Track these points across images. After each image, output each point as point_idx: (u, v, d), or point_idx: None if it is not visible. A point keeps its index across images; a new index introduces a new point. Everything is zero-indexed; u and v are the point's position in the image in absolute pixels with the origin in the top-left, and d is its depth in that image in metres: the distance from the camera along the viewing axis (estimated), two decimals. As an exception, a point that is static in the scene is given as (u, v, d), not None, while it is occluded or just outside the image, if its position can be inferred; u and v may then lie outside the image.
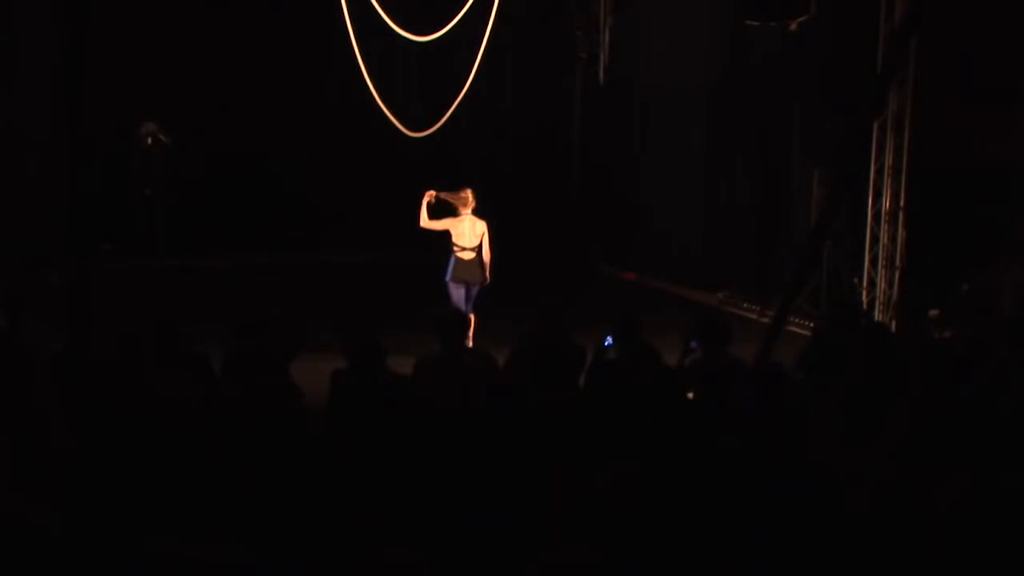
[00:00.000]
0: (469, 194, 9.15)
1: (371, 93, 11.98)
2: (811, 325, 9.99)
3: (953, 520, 3.21)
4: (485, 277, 9.15)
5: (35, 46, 12.36)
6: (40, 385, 5.22)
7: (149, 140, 13.69)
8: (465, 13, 11.73)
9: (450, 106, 12.41)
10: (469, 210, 9.11)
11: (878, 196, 10.17)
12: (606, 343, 5.94)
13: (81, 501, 3.62)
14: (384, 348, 5.37)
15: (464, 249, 9.10)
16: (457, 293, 9.13)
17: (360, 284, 12.12)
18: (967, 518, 3.19)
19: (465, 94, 12.39)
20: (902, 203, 10.04)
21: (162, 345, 5.69)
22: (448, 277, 9.14)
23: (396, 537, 3.25)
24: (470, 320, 8.69)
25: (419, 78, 14.72)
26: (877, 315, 10.00)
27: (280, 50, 14.02)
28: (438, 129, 12.53)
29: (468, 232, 9.10)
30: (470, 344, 8.36)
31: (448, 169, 12.27)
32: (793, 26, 10.37)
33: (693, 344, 5.77)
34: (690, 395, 5.56)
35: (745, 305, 11.58)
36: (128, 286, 10.48)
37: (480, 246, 9.12)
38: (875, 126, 9.81)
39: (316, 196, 14.39)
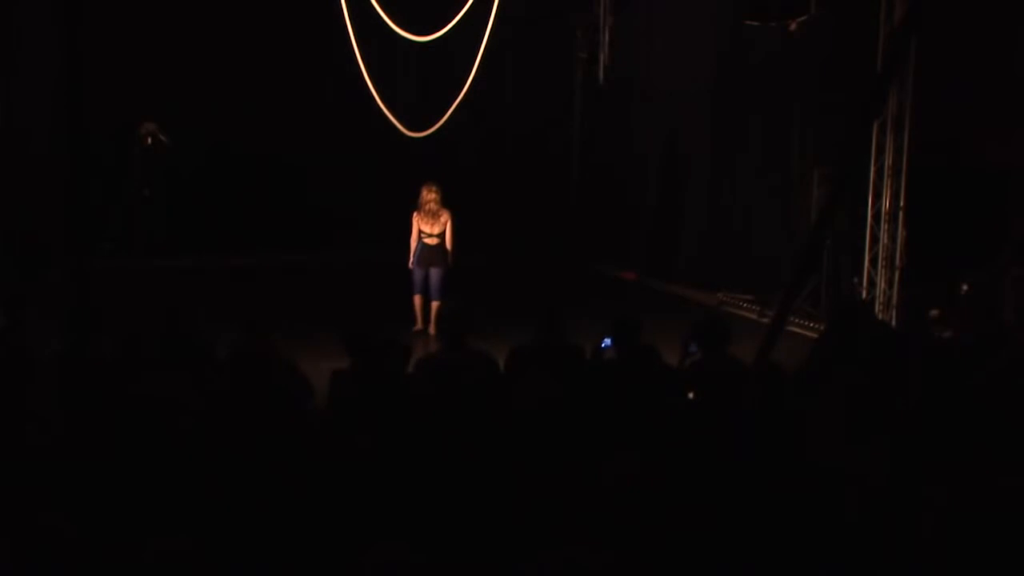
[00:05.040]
0: (433, 191, 9.70)
1: (371, 93, 11.98)
2: (811, 325, 9.98)
3: (953, 520, 3.21)
4: (447, 263, 9.78)
5: (35, 46, 12.36)
6: (39, 385, 5.22)
7: (149, 140, 13.69)
8: (465, 13, 11.74)
9: (450, 106, 12.42)
10: (432, 203, 9.69)
11: (878, 196, 10.15)
12: (604, 343, 5.95)
13: (80, 501, 3.62)
14: (385, 347, 5.37)
15: (428, 236, 9.73)
16: (419, 275, 9.79)
17: (360, 284, 12.11)
18: (967, 518, 3.19)
19: (465, 94, 12.39)
20: (902, 203, 10.02)
21: (168, 335, 5.70)
22: (412, 262, 9.79)
23: (396, 537, 3.24)
24: (433, 305, 9.63)
25: (419, 78, 14.70)
26: (877, 315, 9.99)
27: (280, 50, 14.01)
28: (438, 129, 12.54)
29: (432, 220, 9.72)
30: (431, 330, 9.40)
31: (448, 169, 12.26)
32: (793, 26, 10.37)
33: (692, 348, 5.77)
34: (690, 395, 5.57)
35: (745, 305, 11.58)
36: (128, 286, 10.46)
37: (443, 234, 9.74)
38: (875, 126, 9.80)
39: (316, 196, 14.39)
